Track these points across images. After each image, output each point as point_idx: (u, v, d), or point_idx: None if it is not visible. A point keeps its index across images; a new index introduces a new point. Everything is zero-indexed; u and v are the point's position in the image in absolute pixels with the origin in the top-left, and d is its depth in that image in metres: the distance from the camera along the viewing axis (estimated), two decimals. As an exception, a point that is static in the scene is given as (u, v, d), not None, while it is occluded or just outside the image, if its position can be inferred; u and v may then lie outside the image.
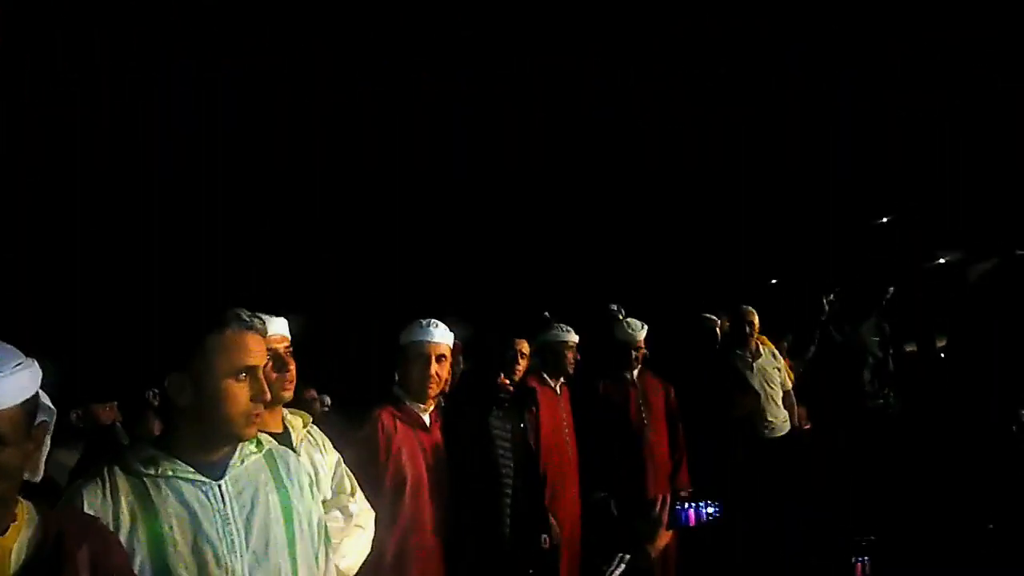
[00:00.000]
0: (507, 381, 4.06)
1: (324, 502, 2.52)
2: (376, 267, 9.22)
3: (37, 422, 1.46)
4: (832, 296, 5.66)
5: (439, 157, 8.22)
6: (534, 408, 4.46)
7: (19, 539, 1.43)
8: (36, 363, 1.46)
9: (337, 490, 2.61)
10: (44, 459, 1.53)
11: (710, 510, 2.66)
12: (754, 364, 5.65)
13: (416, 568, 3.01)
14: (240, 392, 1.76)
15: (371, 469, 2.85)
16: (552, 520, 4.19)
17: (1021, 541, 3.94)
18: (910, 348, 7.02)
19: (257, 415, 1.79)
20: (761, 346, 5.75)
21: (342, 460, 2.69)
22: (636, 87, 7.95)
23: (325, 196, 8.45)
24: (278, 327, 2.60)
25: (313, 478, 2.07)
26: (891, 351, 5.37)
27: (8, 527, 1.42)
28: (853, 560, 2.85)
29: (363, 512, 2.60)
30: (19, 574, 1.40)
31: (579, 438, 4.72)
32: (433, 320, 3.25)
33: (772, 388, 5.64)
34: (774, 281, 13.42)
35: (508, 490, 3.71)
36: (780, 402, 5.65)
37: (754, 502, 4.91)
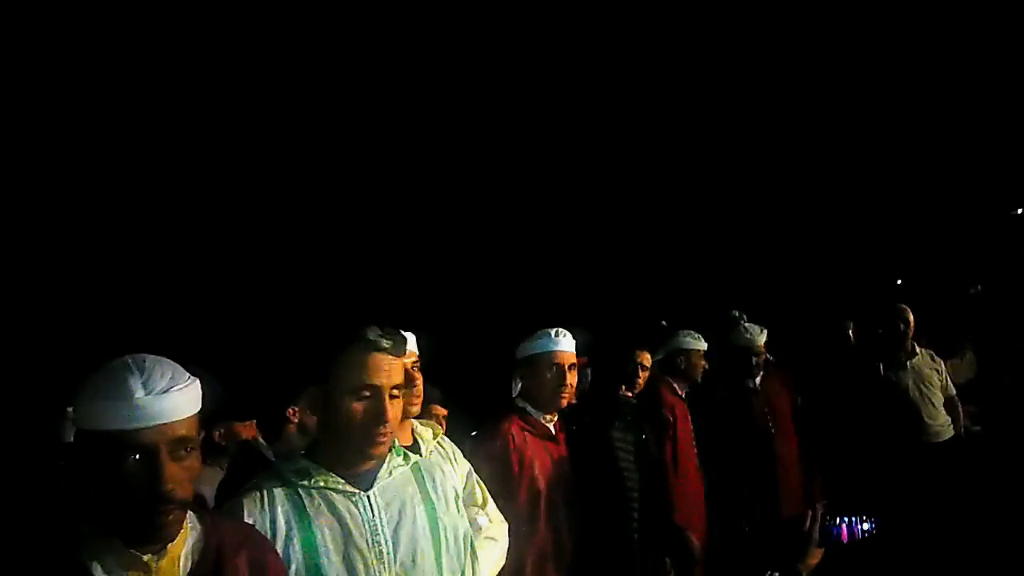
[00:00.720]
0: (629, 394, 4.01)
1: None
2: (490, 279, 9.31)
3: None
4: (979, 288, 5.30)
5: (552, 169, 8.24)
6: (669, 417, 4.39)
7: (185, 547, 1.51)
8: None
9: (468, 502, 2.61)
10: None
11: (865, 526, 2.50)
12: (908, 364, 5.35)
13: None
14: (360, 410, 1.80)
15: (506, 484, 2.85)
16: (688, 535, 4.11)
17: None
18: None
19: (382, 434, 1.81)
20: (917, 347, 5.44)
21: (473, 471, 2.71)
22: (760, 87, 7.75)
23: (443, 209, 8.59)
24: (410, 345, 2.64)
25: (458, 492, 2.08)
26: None
27: (177, 534, 1.50)
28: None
29: (496, 524, 2.60)
30: None
31: (699, 449, 4.61)
32: (561, 330, 3.25)
33: (928, 390, 5.27)
34: (899, 281, 12.81)
35: (634, 504, 3.66)
36: (939, 405, 5.29)
37: (912, 511, 4.63)
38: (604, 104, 7.52)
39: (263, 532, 1.75)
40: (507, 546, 2.61)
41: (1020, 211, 11.18)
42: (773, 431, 4.81)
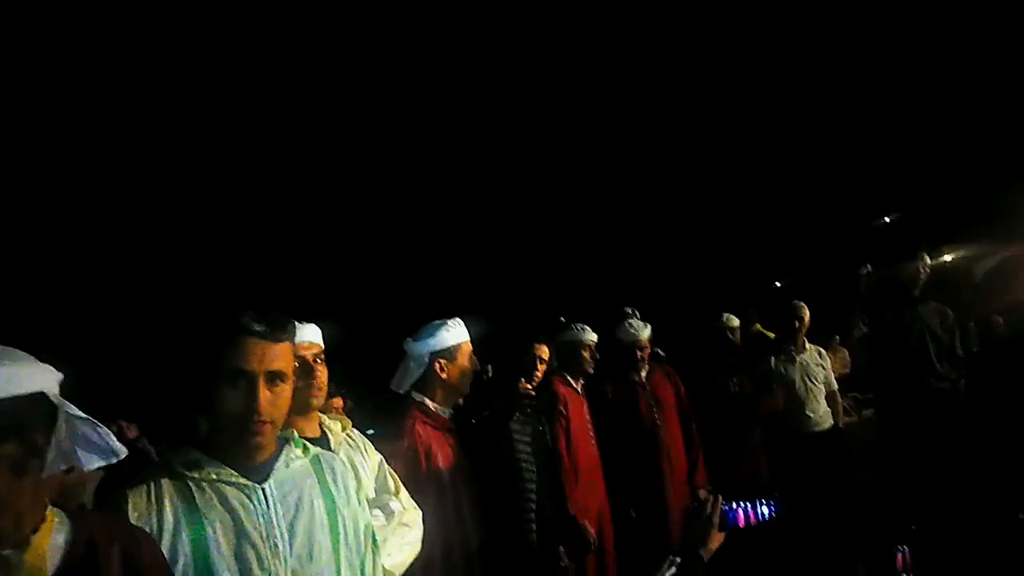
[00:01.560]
0: (528, 386, 4.05)
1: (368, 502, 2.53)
2: (389, 270, 9.21)
3: (30, 430, 1.40)
4: (868, 269, 5.67)
5: (453, 157, 8.22)
6: (562, 408, 4.45)
7: (53, 541, 1.43)
8: (26, 370, 1.42)
9: (380, 491, 2.59)
10: (54, 460, 1.50)
11: (764, 509, 2.60)
12: (797, 359, 5.69)
13: (457, 564, 2.99)
14: (233, 398, 1.73)
15: (414, 480, 2.81)
16: (584, 524, 4.19)
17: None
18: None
19: (256, 422, 1.74)
20: (807, 343, 5.77)
21: (384, 461, 2.68)
22: (645, 88, 7.96)
23: (343, 197, 8.43)
24: (307, 334, 2.58)
25: (357, 483, 2.05)
26: (957, 334, 5.34)
27: (37, 527, 1.42)
28: (894, 550, 2.82)
29: (408, 511, 2.58)
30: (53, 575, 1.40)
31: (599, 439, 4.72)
32: (457, 319, 3.25)
33: (814, 384, 5.66)
34: (778, 284, 13.48)
35: (532, 495, 3.71)
36: (821, 398, 5.67)
37: (796, 497, 4.91)
38: (502, 98, 7.58)
39: (150, 527, 1.67)
40: (421, 532, 2.59)
41: (887, 219, 12.01)
42: (659, 422, 4.97)
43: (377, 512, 2.47)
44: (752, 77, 7.85)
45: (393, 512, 2.50)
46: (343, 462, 2.04)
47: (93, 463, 1.51)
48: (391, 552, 2.41)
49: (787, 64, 7.63)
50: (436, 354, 3.17)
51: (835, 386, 5.85)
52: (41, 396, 1.42)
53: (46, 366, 1.45)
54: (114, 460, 1.54)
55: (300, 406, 2.48)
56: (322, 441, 2.53)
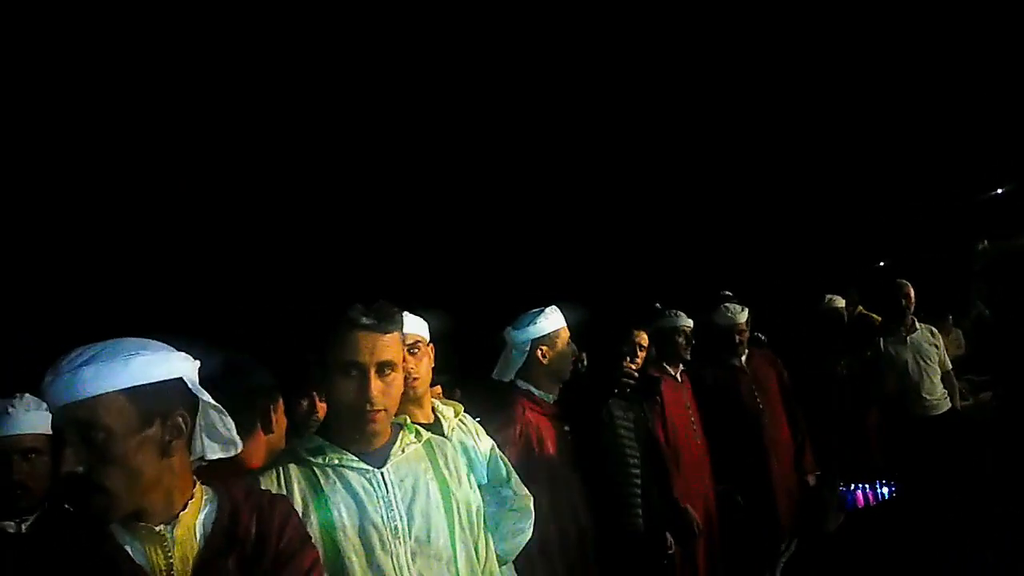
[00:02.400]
0: (632, 366, 4.02)
1: (479, 488, 2.56)
2: (487, 259, 9.29)
3: (172, 413, 1.51)
4: (985, 244, 5.40)
5: (549, 150, 8.21)
6: (658, 398, 4.44)
7: (200, 516, 1.54)
8: (172, 356, 1.52)
9: (492, 476, 2.62)
10: (222, 439, 1.61)
11: (883, 490, 2.55)
12: (908, 339, 5.48)
13: (572, 551, 3.01)
14: (347, 389, 1.81)
15: (524, 468, 2.81)
16: (689, 509, 4.16)
17: None
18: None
19: (370, 411, 1.82)
20: (917, 322, 5.56)
21: (496, 446, 2.71)
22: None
23: (445, 188, 8.53)
24: (410, 325, 2.60)
25: (468, 467, 2.10)
26: None
27: (186, 504, 1.52)
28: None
29: (520, 497, 2.59)
30: (203, 549, 1.50)
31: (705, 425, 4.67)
32: (554, 307, 3.28)
33: (928, 364, 5.44)
34: (881, 263, 12.97)
35: (637, 480, 3.70)
36: (936, 380, 5.44)
37: (915, 482, 4.74)
38: (594, 89, 7.53)
39: None
40: (532, 519, 2.59)
41: (1000, 191, 11.36)
42: (761, 407, 4.89)
43: (489, 498, 2.46)
44: (858, 50, 7.54)
45: (504, 499, 2.52)
46: (454, 447, 2.09)
47: (215, 453, 1.62)
48: (504, 537, 2.44)
49: (896, 33, 7.30)
50: (537, 341, 3.21)
51: (950, 366, 5.57)
52: (180, 382, 1.53)
53: (183, 354, 1.56)
54: (232, 452, 1.64)
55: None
56: (435, 427, 2.57)
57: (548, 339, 3.22)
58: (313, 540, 1.73)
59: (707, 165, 8.96)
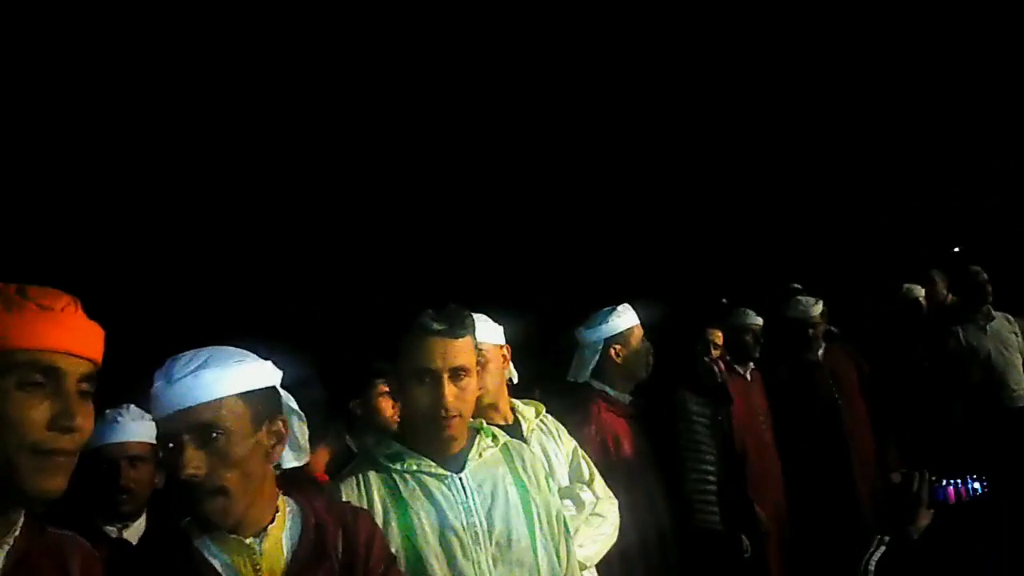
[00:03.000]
0: (711, 362, 3.96)
1: (559, 491, 2.48)
2: (556, 259, 9.28)
3: (275, 418, 1.55)
4: None
5: (610, 150, 8.18)
6: (731, 396, 4.36)
7: (286, 529, 1.55)
8: (268, 364, 1.57)
9: (573, 478, 2.60)
10: (299, 447, 1.65)
11: (976, 485, 2.45)
12: (987, 327, 5.24)
13: (652, 553, 2.99)
14: (421, 395, 1.81)
15: (604, 469, 2.79)
16: (757, 510, 4.09)
17: None
18: None
19: (444, 417, 1.81)
20: (993, 311, 5.33)
21: (579, 448, 2.68)
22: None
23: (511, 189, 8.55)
24: (482, 333, 2.56)
25: (547, 469, 2.08)
26: None
27: (274, 517, 1.54)
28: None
29: (602, 501, 2.56)
30: (291, 562, 1.51)
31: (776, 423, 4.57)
32: (626, 305, 3.25)
33: (1011, 353, 5.19)
34: (956, 249, 12.52)
35: (712, 477, 3.65)
36: (1021, 367, 5.19)
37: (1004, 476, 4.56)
38: (648, 84, 7.46)
39: None
40: (617, 522, 2.58)
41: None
42: (840, 403, 4.74)
43: (568, 502, 2.46)
44: (928, 38, 7.31)
45: (584, 502, 2.50)
46: (532, 450, 2.07)
47: (289, 461, 1.65)
48: (583, 543, 2.41)
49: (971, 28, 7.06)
50: (610, 340, 3.18)
51: None
52: (275, 390, 1.57)
53: (265, 362, 1.58)
54: (304, 461, 1.68)
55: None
56: (515, 428, 2.56)
57: (621, 337, 3.19)
58: (395, 550, 1.74)
59: (774, 159, 8.81)
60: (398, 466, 1.84)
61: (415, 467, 1.84)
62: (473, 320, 1.95)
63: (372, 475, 1.84)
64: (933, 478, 2.37)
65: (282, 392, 1.59)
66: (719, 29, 6.78)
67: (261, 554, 1.50)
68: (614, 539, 2.53)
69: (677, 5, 6.45)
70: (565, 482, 2.59)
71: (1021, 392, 5.13)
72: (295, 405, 1.62)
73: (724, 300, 4.95)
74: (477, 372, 2.53)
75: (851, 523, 4.29)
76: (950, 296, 5.58)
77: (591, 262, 9.04)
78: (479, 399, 2.55)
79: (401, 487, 1.82)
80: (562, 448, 2.65)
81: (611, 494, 2.62)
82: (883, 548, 2.23)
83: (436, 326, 1.82)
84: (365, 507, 1.78)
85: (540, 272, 9.02)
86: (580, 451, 2.68)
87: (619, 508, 2.59)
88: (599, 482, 2.62)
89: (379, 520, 1.77)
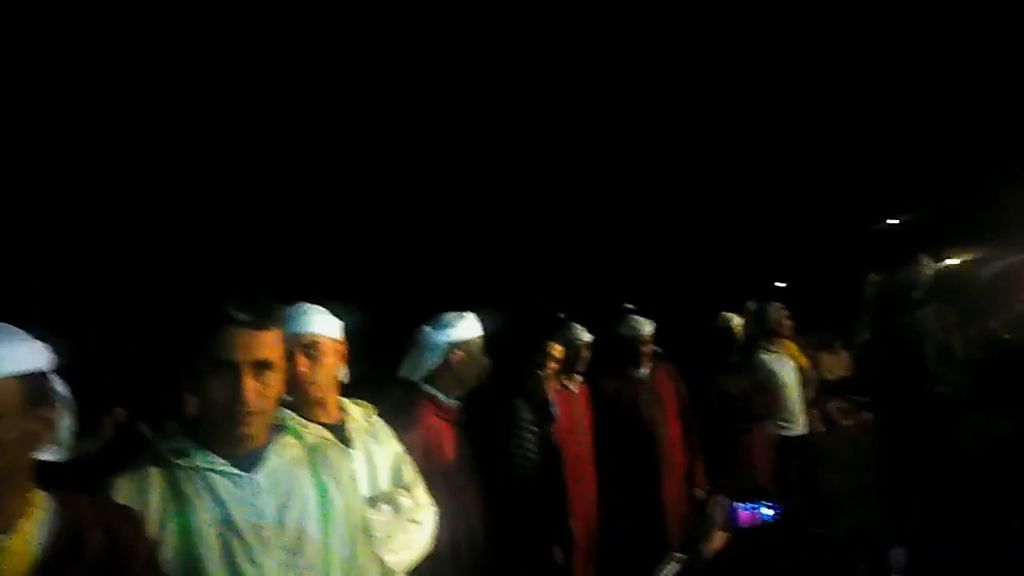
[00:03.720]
0: (551, 373, 4.01)
1: (378, 495, 2.46)
2: (390, 263, 9.21)
3: (45, 405, 1.44)
4: (875, 276, 5.68)
5: (455, 158, 8.22)
6: (556, 413, 4.46)
7: (38, 526, 1.42)
8: (43, 345, 1.45)
9: (394, 483, 2.54)
10: (59, 440, 1.52)
11: (767, 511, 2.63)
12: (788, 359, 5.77)
13: (463, 561, 2.98)
14: (219, 388, 1.70)
15: (426, 474, 2.75)
16: (571, 521, 4.20)
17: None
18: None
19: (242, 413, 1.71)
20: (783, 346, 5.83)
21: (403, 452, 2.62)
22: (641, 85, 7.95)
23: (349, 187, 8.40)
24: (302, 324, 2.49)
25: (367, 475, 2.02)
26: (957, 335, 5.37)
27: (25, 511, 1.41)
28: (890, 551, 2.83)
29: (420, 508, 2.51)
30: (41, 563, 1.39)
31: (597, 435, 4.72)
32: (472, 314, 3.23)
33: (798, 388, 5.74)
34: (779, 284, 13.44)
35: (534, 486, 3.72)
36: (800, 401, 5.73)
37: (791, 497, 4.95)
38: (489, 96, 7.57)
39: None
40: (431, 531, 2.53)
41: (892, 222, 11.97)
42: (659, 420, 4.97)
43: (386, 507, 2.41)
44: (756, 78, 7.82)
45: (402, 507, 2.44)
46: (340, 451, 1.99)
47: (49, 454, 1.52)
48: (396, 549, 2.37)
49: (791, 66, 7.60)
50: (455, 345, 3.14)
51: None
52: (41, 375, 1.43)
53: (41, 344, 1.45)
54: (61, 457, 1.53)
55: (298, 397, 2.47)
56: (340, 428, 2.47)
57: (466, 344, 3.15)
58: (171, 551, 1.63)
59: (617, 181, 9.15)
60: (183, 461, 1.72)
61: (202, 464, 1.72)
62: (283, 313, 1.85)
63: (153, 470, 1.71)
64: (730, 503, 2.53)
65: (51, 378, 1.46)
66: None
67: (5, 551, 1.36)
68: (426, 548, 2.49)
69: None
70: (386, 486, 2.53)
71: (788, 422, 5.65)
72: (68, 394, 1.49)
73: (562, 315, 5.07)
74: (308, 364, 2.47)
75: (656, 539, 4.52)
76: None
77: (428, 267, 9.06)
78: (306, 394, 2.47)
79: (185, 484, 1.70)
80: (386, 451, 2.58)
81: (430, 501, 2.58)
82: (674, 564, 2.36)
83: (240, 316, 1.70)
84: (142, 504, 1.66)
85: (376, 273, 8.94)
86: (404, 455, 2.62)
87: (436, 515, 2.56)
88: (420, 488, 2.57)
89: (156, 519, 1.65)
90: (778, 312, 5.81)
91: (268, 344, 1.75)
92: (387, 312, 5.13)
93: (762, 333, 5.84)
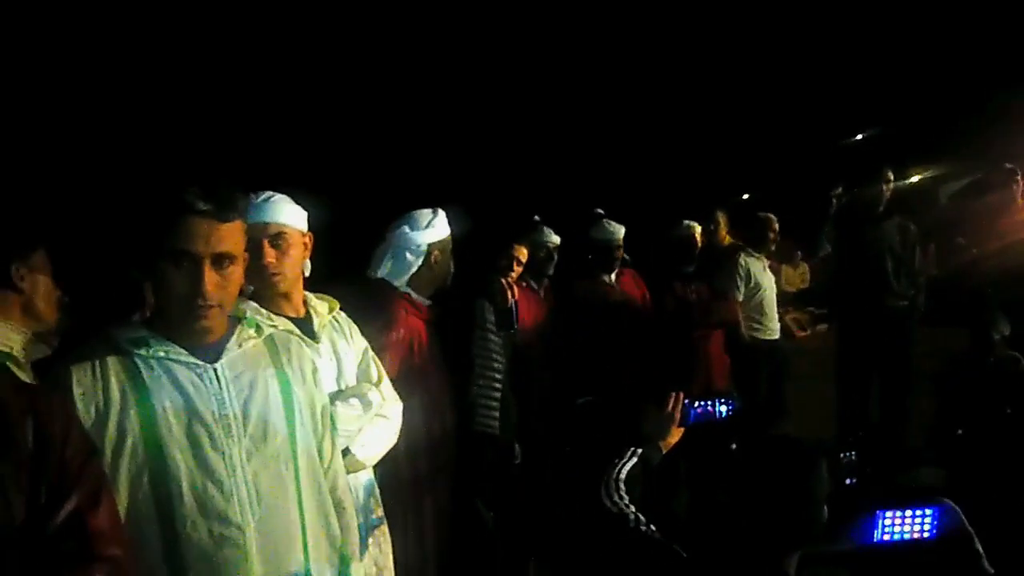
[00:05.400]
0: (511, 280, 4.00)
1: (345, 389, 2.45)
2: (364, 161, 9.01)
3: None
4: (840, 190, 5.73)
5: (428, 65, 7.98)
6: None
7: None
8: None
9: (362, 378, 2.52)
10: None
11: (723, 408, 2.70)
12: (766, 268, 5.89)
13: (437, 455, 3.02)
14: (178, 280, 1.63)
15: (405, 371, 2.78)
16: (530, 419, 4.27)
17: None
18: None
19: (201, 306, 1.64)
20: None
21: (369, 348, 2.60)
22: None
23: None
24: (269, 214, 2.40)
25: (316, 365, 1.97)
26: (917, 251, 5.48)
27: None
28: (842, 456, 2.92)
29: (388, 402, 2.50)
30: None
31: (554, 339, 4.75)
32: (440, 211, 3.16)
33: (773, 295, 5.88)
34: (746, 196, 13.53)
35: (498, 385, 3.75)
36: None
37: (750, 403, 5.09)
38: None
39: (95, 404, 1.60)
40: (399, 425, 2.53)
41: (858, 137, 12.02)
42: (626, 323, 5.03)
43: (354, 400, 2.39)
44: None
45: (371, 403, 2.42)
46: (300, 343, 1.94)
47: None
48: (364, 443, 2.37)
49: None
50: (433, 245, 3.09)
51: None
52: None
53: None
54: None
55: (263, 287, 2.41)
56: (306, 322, 2.43)
57: (441, 244, 3.12)
58: (132, 440, 1.59)
59: (589, 89, 9.00)
60: (143, 351, 1.65)
61: (162, 353, 1.66)
62: (246, 203, 1.77)
63: (111, 359, 1.64)
64: (686, 400, 2.58)
65: None
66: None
67: None
68: (394, 442, 2.50)
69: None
70: (353, 381, 2.51)
71: (766, 327, 5.77)
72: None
73: (536, 217, 5.01)
74: (276, 255, 2.39)
75: (619, 435, 4.62)
76: (728, 237, 6.10)
77: (398, 164, 8.90)
78: (273, 286, 2.41)
79: (145, 373, 1.64)
80: (352, 347, 2.55)
81: (396, 396, 2.58)
82: (635, 460, 2.40)
83: (201, 205, 1.60)
84: (101, 392, 1.61)
85: (338, 165, 8.73)
86: (370, 351, 2.60)
87: (411, 408, 2.58)
88: (386, 383, 2.56)
89: (116, 407, 1.60)
90: (772, 223, 5.89)
91: (230, 235, 1.67)
92: (349, 206, 5.02)
93: (750, 240, 5.89)
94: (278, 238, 2.42)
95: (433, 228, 3.09)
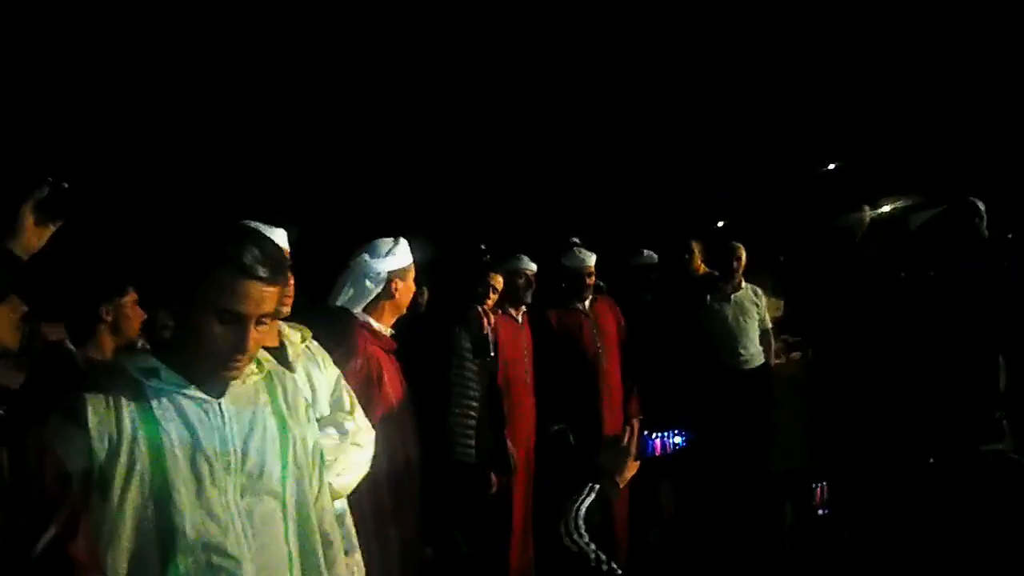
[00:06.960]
0: (489, 305, 3.99)
1: (320, 419, 2.46)
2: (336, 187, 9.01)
3: None
4: (816, 221, 5.80)
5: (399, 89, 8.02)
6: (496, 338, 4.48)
7: None
8: None
9: (335, 407, 2.55)
10: None
11: (676, 440, 2.72)
12: (732, 296, 5.87)
13: (401, 485, 3.00)
14: (222, 336, 1.66)
15: (366, 401, 2.76)
16: (510, 447, 4.25)
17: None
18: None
19: (238, 360, 1.69)
20: (743, 282, 5.94)
21: (342, 377, 2.62)
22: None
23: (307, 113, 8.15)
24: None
25: (310, 399, 2.00)
26: (889, 281, 5.53)
27: None
28: (813, 485, 2.94)
29: (361, 431, 2.53)
30: None
31: (536, 368, 4.76)
32: (402, 240, 3.17)
33: (747, 322, 5.83)
34: (720, 224, 13.67)
35: (474, 413, 3.74)
36: (754, 336, 5.87)
37: (718, 432, 5.10)
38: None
39: (109, 432, 1.61)
40: (372, 453, 2.56)
41: (832, 167, 12.19)
42: (600, 351, 5.05)
43: (331, 430, 2.42)
44: (702, 25, 7.80)
45: (347, 431, 2.46)
46: (294, 380, 1.99)
47: None
48: (340, 472, 2.38)
49: (737, 12, 7.59)
50: (394, 273, 3.09)
51: (768, 325, 6.02)
52: None
53: None
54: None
55: None
56: (280, 351, 2.45)
57: (403, 272, 3.11)
58: (140, 468, 1.62)
59: (566, 114, 9.08)
60: (153, 382, 1.70)
61: (172, 386, 1.70)
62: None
63: (124, 389, 1.68)
64: (645, 432, 2.58)
65: None
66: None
67: None
68: (367, 470, 2.52)
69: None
70: (327, 410, 2.54)
71: (748, 356, 5.76)
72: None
73: (575, 240, 5.09)
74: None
75: (592, 466, 4.62)
76: (703, 267, 6.17)
77: (372, 192, 8.92)
78: (281, 311, 2.42)
79: (154, 404, 1.68)
80: (325, 375, 2.58)
81: (369, 424, 2.61)
82: (592, 496, 2.39)
83: (260, 271, 1.64)
84: (114, 420, 1.62)
85: (305, 194, 8.74)
86: (343, 380, 2.63)
87: (374, 439, 2.58)
88: (359, 412, 2.59)
89: (127, 436, 1.63)
90: (738, 252, 5.95)
91: (275, 296, 1.71)
92: (321, 235, 5.02)
93: (720, 269, 5.96)
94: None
95: (394, 256, 3.10)
